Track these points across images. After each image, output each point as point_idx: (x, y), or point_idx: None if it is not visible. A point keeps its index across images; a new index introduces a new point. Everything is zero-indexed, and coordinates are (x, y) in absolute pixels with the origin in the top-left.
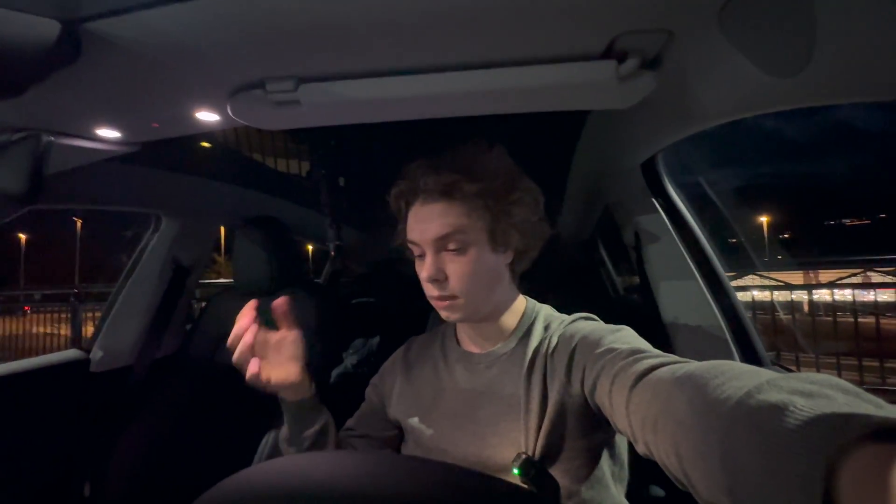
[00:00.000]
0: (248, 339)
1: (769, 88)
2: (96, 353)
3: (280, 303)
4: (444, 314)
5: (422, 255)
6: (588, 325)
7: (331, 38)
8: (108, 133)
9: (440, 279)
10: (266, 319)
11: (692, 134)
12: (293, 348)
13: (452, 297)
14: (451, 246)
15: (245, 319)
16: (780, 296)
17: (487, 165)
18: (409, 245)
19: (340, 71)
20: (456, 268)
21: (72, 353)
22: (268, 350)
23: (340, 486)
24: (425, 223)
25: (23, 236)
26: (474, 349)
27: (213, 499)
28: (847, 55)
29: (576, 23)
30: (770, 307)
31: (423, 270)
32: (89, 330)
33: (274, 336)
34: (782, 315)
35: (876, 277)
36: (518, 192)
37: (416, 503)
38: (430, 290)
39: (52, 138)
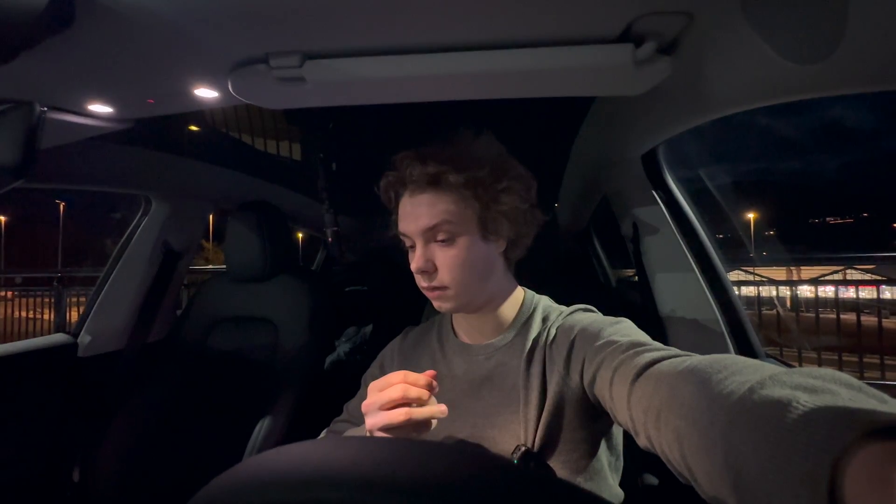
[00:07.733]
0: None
1: (788, 76)
2: (84, 338)
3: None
4: (435, 304)
5: (413, 246)
6: (587, 316)
7: (340, 12)
8: (100, 108)
9: (429, 270)
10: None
11: (697, 125)
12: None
13: (443, 288)
14: (440, 237)
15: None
16: (764, 291)
17: (474, 154)
18: (401, 236)
19: (348, 47)
20: (445, 258)
21: (59, 338)
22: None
23: (361, 471)
24: (414, 214)
25: (2, 217)
26: (472, 340)
27: (228, 481)
28: (873, 41)
29: (593, 4)
30: (755, 302)
31: (413, 262)
32: (74, 315)
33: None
34: (767, 310)
35: (855, 275)
36: (507, 180)
37: (443, 488)
38: (420, 281)
39: (44, 109)
